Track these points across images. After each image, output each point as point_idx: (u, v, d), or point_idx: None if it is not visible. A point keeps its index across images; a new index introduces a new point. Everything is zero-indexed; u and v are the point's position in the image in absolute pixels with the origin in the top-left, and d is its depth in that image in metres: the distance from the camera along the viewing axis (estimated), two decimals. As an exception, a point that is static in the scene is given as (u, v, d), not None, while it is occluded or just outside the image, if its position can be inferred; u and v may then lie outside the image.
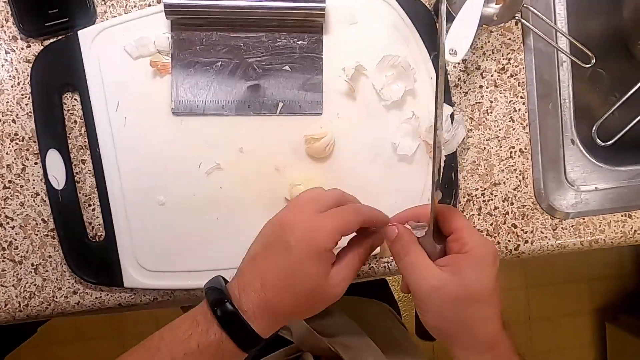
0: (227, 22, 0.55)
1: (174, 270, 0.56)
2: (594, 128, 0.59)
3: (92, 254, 0.56)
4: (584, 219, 0.61)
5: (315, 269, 0.40)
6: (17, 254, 0.56)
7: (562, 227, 0.60)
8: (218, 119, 0.56)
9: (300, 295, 0.41)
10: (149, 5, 0.56)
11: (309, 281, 0.40)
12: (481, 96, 0.59)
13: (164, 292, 0.57)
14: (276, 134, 0.56)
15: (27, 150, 0.56)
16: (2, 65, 0.55)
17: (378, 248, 0.47)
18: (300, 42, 0.56)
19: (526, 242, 0.60)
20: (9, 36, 0.55)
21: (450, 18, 0.54)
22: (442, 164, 0.57)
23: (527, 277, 1.63)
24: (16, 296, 0.56)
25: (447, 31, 0.53)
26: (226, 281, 0.43)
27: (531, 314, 1.63)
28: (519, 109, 0.59)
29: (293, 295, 0.41)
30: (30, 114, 0.55)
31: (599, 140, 0.59)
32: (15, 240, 0.56)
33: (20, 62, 0.55)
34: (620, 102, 0.60)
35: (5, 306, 0.56)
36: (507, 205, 0.60)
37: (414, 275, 0.41)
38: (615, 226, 0.61)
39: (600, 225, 0.61)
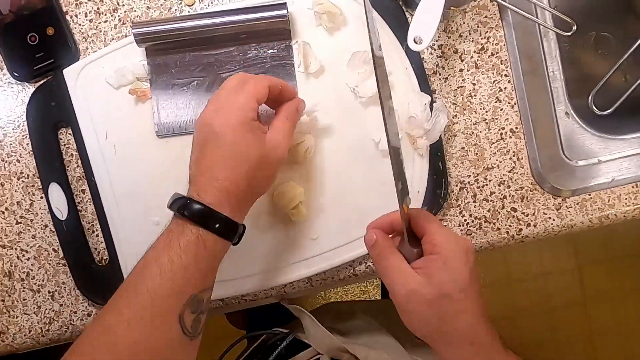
0: (197, 42, 0.56)
1: (175, 286, 0.58)
2: (590, 97, 0.56)
3: (99, 278, 0.59)
4: (589, 194, 0.57)
5: (249, 139, 0.44)
6: (35, 283, 0.60)
7: (566, 206, 0.57)
8: (200, 136, 0.57)
9: (249, 168, 0.44)
10: (125, 36, 0.58)
11: (250, 152, 0.44)
12: (462, 80, 0.57)
13: (170, 308, 0.59)
14: (257, 144, 0.57)
15: (33, 186, 0.60)
16: (3, 111, 0.59)
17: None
18: (270, 51, 0.56)
19: (529, 225, 0.57)
20: (5, 82, 0.59)
21: (413, 5, 0.53)
22: (427, 154, 0.56)
23: (578, 256, 1.54)
24: (38, 322, 0.60)
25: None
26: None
27: (587, 295, 1.54)
28: (505, 88, 0.57)
29: (242, 170, 0.44)
30: (31, 152, 0.59)
31: (596, 109, 0.55)
32: (32, 270, 0.60)
33: (18, 106, 0.59)
34: (616, 66, 0.56)
35: (29, 332, 0.60)
36: (504, 189, 0.57)
37: (391, 279, 0.42)
38: (626, 199, 0.57)
39: (609, 200, 0.57)
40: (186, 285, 0.42)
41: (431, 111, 0.55)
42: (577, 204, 0.57)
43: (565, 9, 0.55)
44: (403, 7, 0.56)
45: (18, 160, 0.60)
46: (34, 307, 0.60)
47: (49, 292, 0.60)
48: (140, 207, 0.58)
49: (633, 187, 0.57)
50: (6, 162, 0.60)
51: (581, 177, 0.57)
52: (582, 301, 1.54)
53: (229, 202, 0.43)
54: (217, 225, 0.43)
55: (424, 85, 0.56)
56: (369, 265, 0.58)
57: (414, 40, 0.50)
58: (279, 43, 0.56)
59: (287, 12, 0.53)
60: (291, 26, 0.55)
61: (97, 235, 0.60)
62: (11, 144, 0.60)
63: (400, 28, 0.56)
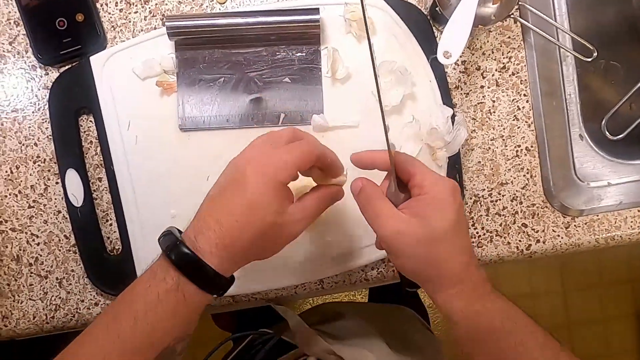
0: (228, 39, 0.57)
1: (187, 280, 0.58)
2: (603, 122, 0.58)
3: (110, 267, 0.58)
4: (597, 215, 0.59)
5: (272, 202, 0.40)
6: (43, 269, 0.60)
7: (574, 225, 0.59)
8: (223, 132, 0.58)
9: (258, 229, 0.40)
10: (155, 28, 0.59)
11: (266, 214, 0.40)
12: (483, 96, 0.59)
13: (179, 302, 0.59)
14: (279, 144, 0.58)
15: (49, 171, 0.59)
16: (24, 93, 0.59)
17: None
18: (298, 54, 0.57)
19: (538, 241, 0.59)
20: (29, 65, 0.59)
21: (443, 21, 0.54)
22: (446, 166, 0.57)
23: (566, 281, 1.57)
24: (43, 309, 0.60)
25: (441, 33, 0.54)
26: (180, 231, 0.43)
27: (572, 318, 1.57)
28: (523, 107, 0.59)
29: (250, 229, 0.40)
30: (50, 137, 0.59)
31: (608, 134, 0.57)
32: (41, 256, 0.60)
33: (39, 89, 0.59)
34: (630, 94, 0.58)
35: (33, 318, 0.60)
36: (516, 205, 0.59)
37: (378, 222, 0.42)
38: (632, 222, 0.59)
39: (615, 222, 0.59)
40: (160, 337, 0.39)
41: (452, 124, 0.56)
42: (585, 223, 0.59)
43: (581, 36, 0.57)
44: (431, 22, 0.58)
45: (35, 144, 0.59)
46: (40, 293, 0.60)
47: (56, 278, 0.60)
48: (158, 199, 0.58)
49: (639, 210, 0.59)
50: (23, 144, 0.59)
51: (590, 198, 0.58)
52: (567, 325, 1.56)
53: (223, 253, 0.39)
54: (200, 277, 0.39)
55: (447, 98, 0.57)
56: (381, 270, 0.59)
57: (443, 55, 0.52)
58: (307, 47, 0.57)
59: (320, 17, 0.55)
60: (321, 31, 0.57)
61: (111, 225, 0.59)
62: (30, 127, 0.59)
63: (426, 41, 0.57)
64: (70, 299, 0.60)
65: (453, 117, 0.57)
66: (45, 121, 0.59)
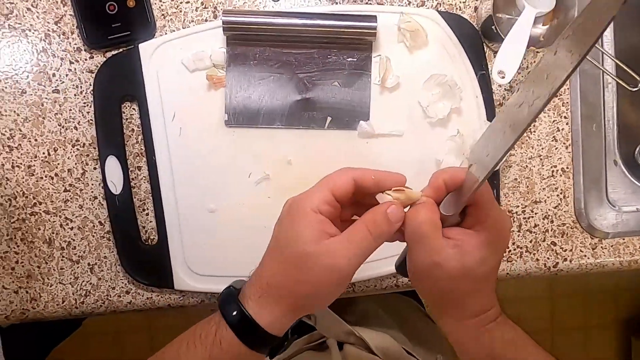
0: (281, 39, 0.57)
1: (221, 274, 0.58)
2: (637, 150, 0.60)
3: (145, 257, 0.58)
4: (623, 239, 0.61)
5: (300, 230, 0.38)
6: (75, 254, 0.59)
7: (601, 247, 0.61)
8: (268, 131, 0.58)
9: (290, 262, 0.38)
10: (206, 20, 0.58)
11: (295, 243, 0.38)
12: (525, 115, 0.60)
13: (211, 295, 0.60)
14: (323, 147, 0.58)
15: (87, 156, 0.59)
16: (67, 75, 0.58)
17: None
18: (350, 59, 0.58)
19: (565, 260, 0.61)
20: (74, 47, 0.58)
21: (498, 39, 0.55)
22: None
23: (552, 288, 1.62)
24: (73, 293, 0.59)
25: (495, 52, 0.54)
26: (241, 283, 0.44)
27: (555, 325, 1.62)
28: (562, 129, 0.60)
29: (282, 263, 0.39)
30: (91, 121, 0.58)
31: (641, 162, 0.59)
32: (74, 240, 0.59)
33: (83, 72, 0.58)
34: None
35: (62, 302, 0.59)
36: (547, 223, 0.61)
37: (417, 247, 0.39)
38: (655, 247, 0.61)
39: (640, 246, 0.61)
40: None
41: (496, 141, 0.57)
42: (612, 246, 0.61)
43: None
44: (482, 37, 0.58)
45: (75, 128, 0.58)
46: (70, 278, 0.59)
47: (88, 264, 0.59)
48: (198, 192, 0.58)
49: (663, 237, 0.61)
50: (63, 127, 0.58)
51: (619, 222, 0.60)
52: (549, 332, 1.61)
53: (262, 297, 0.40)
54: (249, 337, 0.39)
55: (491, 115, 0.58)
56: (398, 283, 0.61)
57: (498, 74, 0.53)
58: (359, 53, 0.57)
59: (377, 25, 0.55)
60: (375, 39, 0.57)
61: (148, 215, 0.59)
62: (71, 110, 0.58)
63: (476, 57, 0.58)
64: (101, 285, 0.59)
65: (496, 134, 0.58)
66: (87, 105, 0.58)
